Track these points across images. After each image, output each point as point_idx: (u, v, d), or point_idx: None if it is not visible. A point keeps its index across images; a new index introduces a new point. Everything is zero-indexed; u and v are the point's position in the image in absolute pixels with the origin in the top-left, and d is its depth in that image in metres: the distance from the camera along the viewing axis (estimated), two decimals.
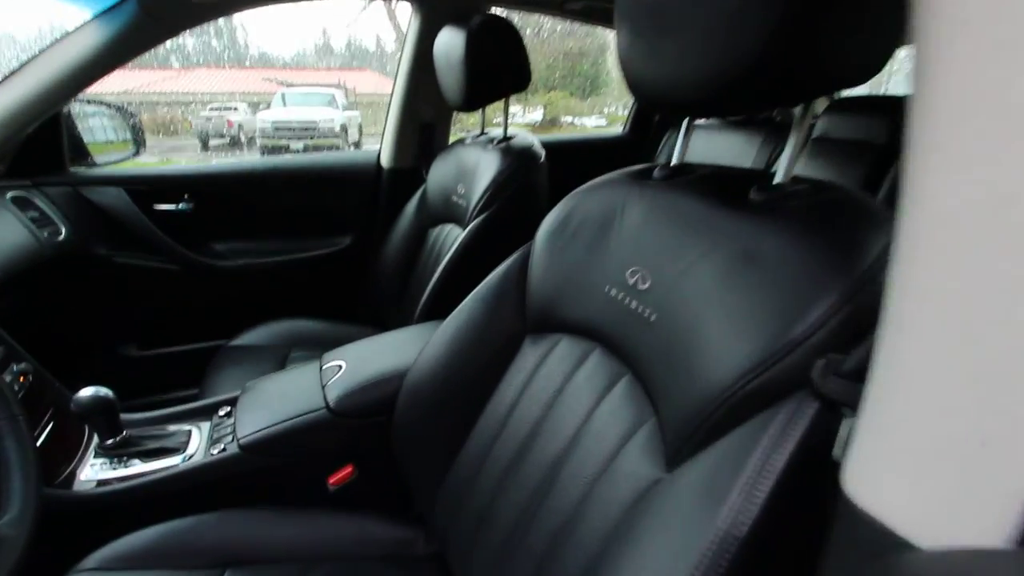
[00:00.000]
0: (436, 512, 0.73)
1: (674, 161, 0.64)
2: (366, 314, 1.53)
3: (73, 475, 0.74)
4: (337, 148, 7.61)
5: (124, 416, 0.85)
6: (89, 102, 1.27)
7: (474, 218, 1.07)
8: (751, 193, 0.51)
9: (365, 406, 0.81)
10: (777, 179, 0.51)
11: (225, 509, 0.73)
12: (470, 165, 1.18)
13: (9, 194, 1.10)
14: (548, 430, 0.62)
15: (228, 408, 0.88)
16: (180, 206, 1.36)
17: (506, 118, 1.18)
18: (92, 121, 1.32)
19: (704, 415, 0.42)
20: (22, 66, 1.00)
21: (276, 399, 0.85)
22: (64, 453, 0.76)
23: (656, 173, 0.63)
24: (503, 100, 1.17)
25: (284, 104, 8.58)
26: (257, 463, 0.77)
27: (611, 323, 0.59)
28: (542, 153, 1.14)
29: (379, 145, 1.57)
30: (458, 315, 0.76)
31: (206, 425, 0.86)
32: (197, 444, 0.81)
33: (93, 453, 0.78)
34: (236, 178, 1.43)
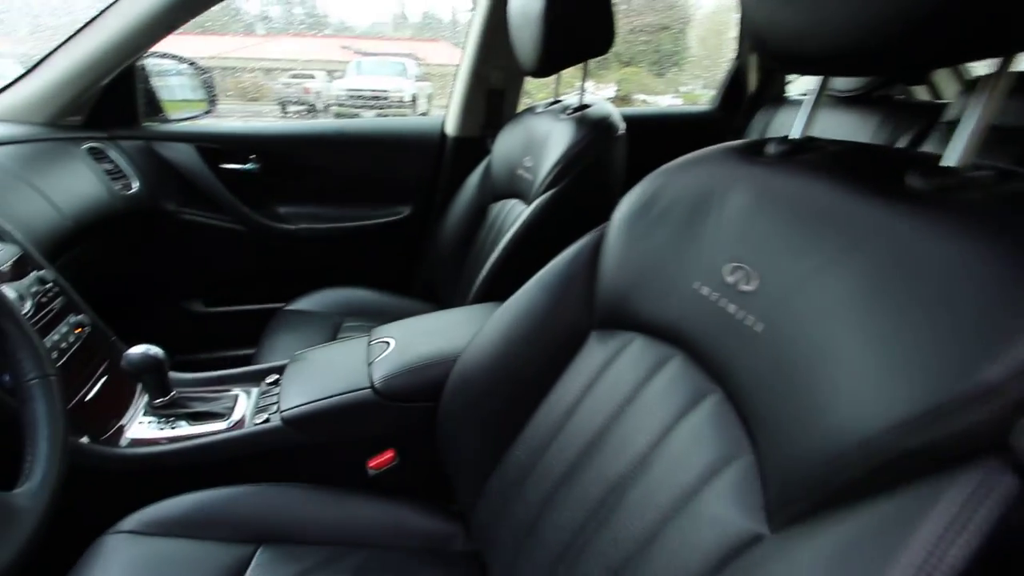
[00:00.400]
0: (477, 512, 0.67)
1: (794, 134, 0.52)
2: (422, 288, 1.49)
3: (121, 432, 0.74)
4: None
5: (176, 375, 0.84)
6: (163, 56, 1.27)
7: (540, 194, 0.98)
8: (909, 178, 0.39)
9: (410, 389, 0.76)
10: (947, 161, 0.39)
11: (264, 482, 0.71)
12: (540, 135, 1.09)
13: (85, 145, 1.12)
14: (612, 444, 0.54)
15: (276, 376, 0.85)
16: (247, 166, 1.36)
17: (583, 84, 1.07)
18: (166, 78, 1.33)
19: (835, 468, 0.32)
20: (96, 16, 1.00)
21: (322, 373, 0.81)
22: (115, 409, 0.76)
23: (771, 149, 0.51)
24: (579, 67, 1.05)
25: (358, 73, 8.71)
26: (298, 438, 0.74)
27: (699, 327, 0.49)
28: (621, 125, 1.03)
29: (445, 113, 1.50)
30: (517, 300, 0.68)
31: (254, 391, 0.84)
32: (243, 411, 0.79)
33: (143, 411, 0.77)
34: (301, 140, 1.41)
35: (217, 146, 1.34)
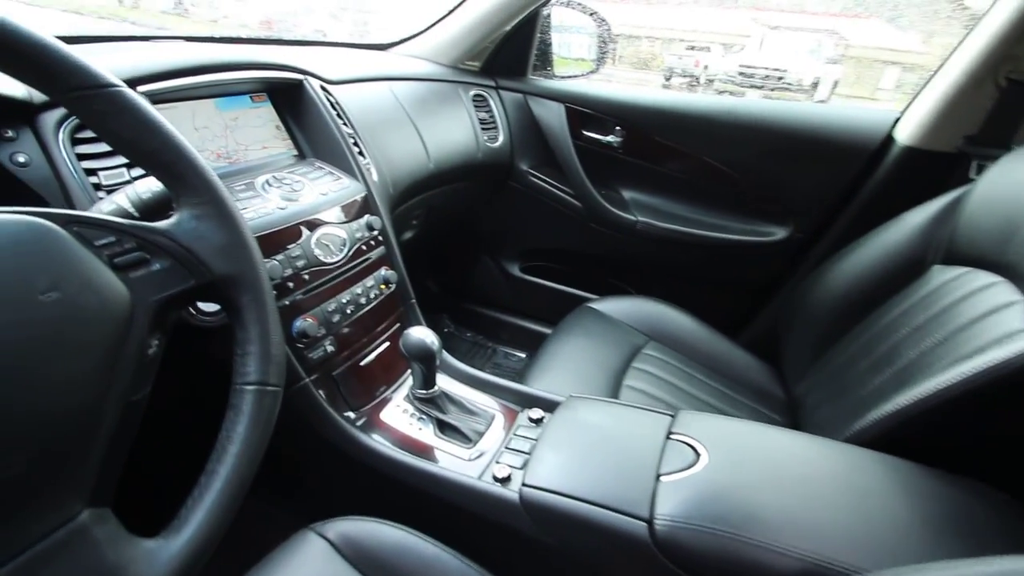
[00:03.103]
0: None
1: None
2: (755, 340, 1.10)
3: (380, 406, 0.68)
4: None
5: (450, 360, 0.75)
6: (568, 3, 1.17)
7: None
8: None
9: (709, 564, 0.45)
10: None
11: (474, 560, 0.53)
12: None
13: (472, 91, 1.12)
14: None
15: (542, 414, 0.67)
16: (608, 138, 1.19)
17: None
18: (562, 32, 1.24)
19: None
20: None
21: (594, 452, 0.57)
22: (385, 377, 0.71)
23: None
24: None
25: (760, 48, 7.87)
26: (529, 529, 0.54)
27: None
28: None
29: (901, 110, 0.99)
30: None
31: (514, 418, 0.68)
32: (492, 443, 0.64)
33: (405, 395, 0.70)
34: (677, 115, 1.14)
35: (587, 110, 1.20)
